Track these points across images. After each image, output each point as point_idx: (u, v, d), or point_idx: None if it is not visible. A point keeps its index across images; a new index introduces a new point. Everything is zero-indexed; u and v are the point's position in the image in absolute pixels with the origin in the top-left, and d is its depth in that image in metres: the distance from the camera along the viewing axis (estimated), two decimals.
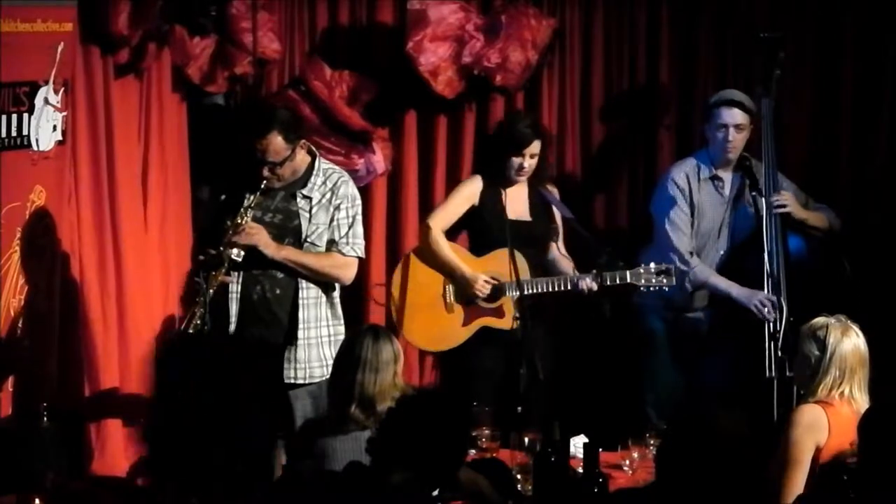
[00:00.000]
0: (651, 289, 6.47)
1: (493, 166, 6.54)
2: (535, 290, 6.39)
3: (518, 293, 6.32)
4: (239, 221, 5.85)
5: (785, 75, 6.86)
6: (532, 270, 6.45)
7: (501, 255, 6.42)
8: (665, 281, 6.44)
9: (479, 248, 6.58)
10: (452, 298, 6.53)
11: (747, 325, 6.54)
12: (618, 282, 6.40)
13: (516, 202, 6.53)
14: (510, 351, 6.41)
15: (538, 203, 6.58)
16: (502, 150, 6.49)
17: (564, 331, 6.96)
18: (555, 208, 6.60)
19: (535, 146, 6.47)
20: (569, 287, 6.41)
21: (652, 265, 6.46)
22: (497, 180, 6.52)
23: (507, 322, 6.48)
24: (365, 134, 7.19)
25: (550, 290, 6.41)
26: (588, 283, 6.38)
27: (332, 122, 7.15)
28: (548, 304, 6.59)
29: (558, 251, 6.61)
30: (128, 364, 6.89)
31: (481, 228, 6.56)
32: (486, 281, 6.46)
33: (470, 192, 6.58)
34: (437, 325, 6.55)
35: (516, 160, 6.45)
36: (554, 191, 6.66)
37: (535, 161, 6.49)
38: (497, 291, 6.47)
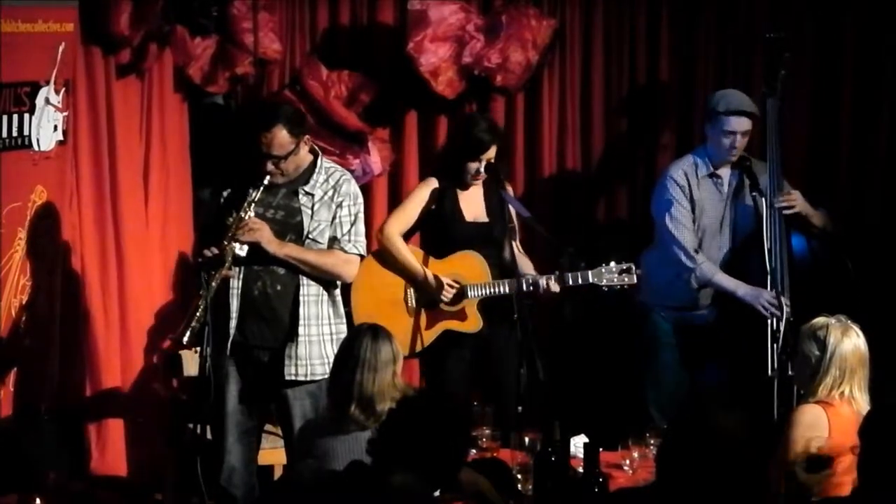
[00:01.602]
0: (614, 289, 6.38)
1: (450, 169, 6.50)
2: (497, 292, 6.36)
3: (478, 295, 6.33)
4: (242, 216, 5.86)
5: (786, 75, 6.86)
6: (491, 271, 6.41)
7: (462, 257, 6.42)
8: (626, 280, 6.36)
9: (437, 251, 6.50)
10: (414, 302, 6.46)
11: (749, 325, 6.54)
12: (580, 282, 6.34)
13: (473, 204, 6.48)
14: (476, 352, 6.42)
15: (494, 203, 6.51)
16: (459, 155, 6.44)
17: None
18: (511, 207, 6.55)
19: (492, 151, 6.40)
20: (531, 288, 6.35)
21: (612, 264, 6.38)
22: (453, 182, 6.48)
23: (469, 325, 6.43)
24: (361, 134, 7.19)
25: (512, 291, 6.32)
26: (551, 284, 6.35)
27: (328, 123, 7.14)
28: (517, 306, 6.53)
29: (516, 250, 6.55)
30: (129, 363, 6.91)
31: (438, 231, 6.50)
32: (449, 284, 6.40)
33: (426, 194, 6.51)
34: (399, 331, 6.32)
35: (473, 165, 6.39)
36: (509, 190, 6.61)
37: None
38: (459, 294, 6.44)
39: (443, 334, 6.45)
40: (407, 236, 6.54)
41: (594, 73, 7.64)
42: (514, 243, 6.53)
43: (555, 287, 6.33)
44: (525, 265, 6.49)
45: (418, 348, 6.46)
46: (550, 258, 6.49)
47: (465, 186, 6.48)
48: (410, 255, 6.45)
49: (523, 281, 6.33)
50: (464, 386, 6.40)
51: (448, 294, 6.39)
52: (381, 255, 6.48)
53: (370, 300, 6.41)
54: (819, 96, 7.61)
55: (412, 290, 6.45)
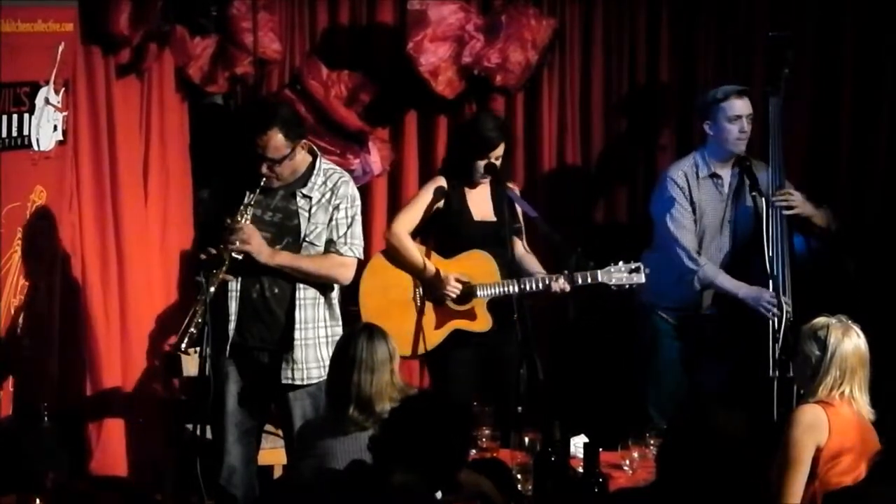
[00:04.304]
0: (623, 287, 6.41)
1: (458, 167, 6.50)
2: (507, 292, 6.35)
3: (488, 295, 6.34)
4: (238, 219, 5.82)
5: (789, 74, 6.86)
6: (500, 270, 6.41)
7: (471, 256, 6.42)
8: (635, 279, 6.39)
9: (445, 250, 6.49)
10: (423, 301, 6.45)
11: (750, 326, 6.54)
12: (589, 281, 6.37)
13: (481, 203, 6.49)
14: (481, 351, 6.41)
15: (502, 202, 6.50)
16: (468, 152, 6.45)
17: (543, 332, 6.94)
18: (518, 207, 6.56)
19: (501, 149, 6.42)
20: (541, 288, 6.36)
21: (621, 263, 6.42)
22: (461, 181, 6.49)
23: (479, 324, 6.43)
24: (361, 134, 7.19)
25: (522, 290, 6.31)
26: (560, 284, 6.34)
27: (328, 122, 7.14)
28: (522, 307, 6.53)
29: (522, 249, 6.56)
30: (129, 363, 6.90)
31: (447, 230, 6.50)
32: (456, 280, 6.40)
33: (433, 193, 6.50)
34: (409, 329, 6.42)
35: (481, 163, 6.41)
36: (515, 189, 6.63)
37: (499, 162, 6.44)
38: (468, 293, 6.43)
39: (451, 334, 6.45)
40: (416, 235, 6.54)
41: (594, 73, 7.64)
42: (521, 242, 6.54)
43: (564, 286, 6.33)
44: (532, 264, 6.50)
45: (427, 347, 6.44)
46: (556, 258, 6.49)
47: (474, 185, 6.49)
48: (418, 253, 6.45)
49: (533, 280, 6.35)
50: (468, 386, 6.39)
51: (455, 291, 6.39)
52: (389, 254, 6.48)
53: (379, 300, 6.41)
54: (819, 96, 7.61)
55: (420, 288, 6.45)
